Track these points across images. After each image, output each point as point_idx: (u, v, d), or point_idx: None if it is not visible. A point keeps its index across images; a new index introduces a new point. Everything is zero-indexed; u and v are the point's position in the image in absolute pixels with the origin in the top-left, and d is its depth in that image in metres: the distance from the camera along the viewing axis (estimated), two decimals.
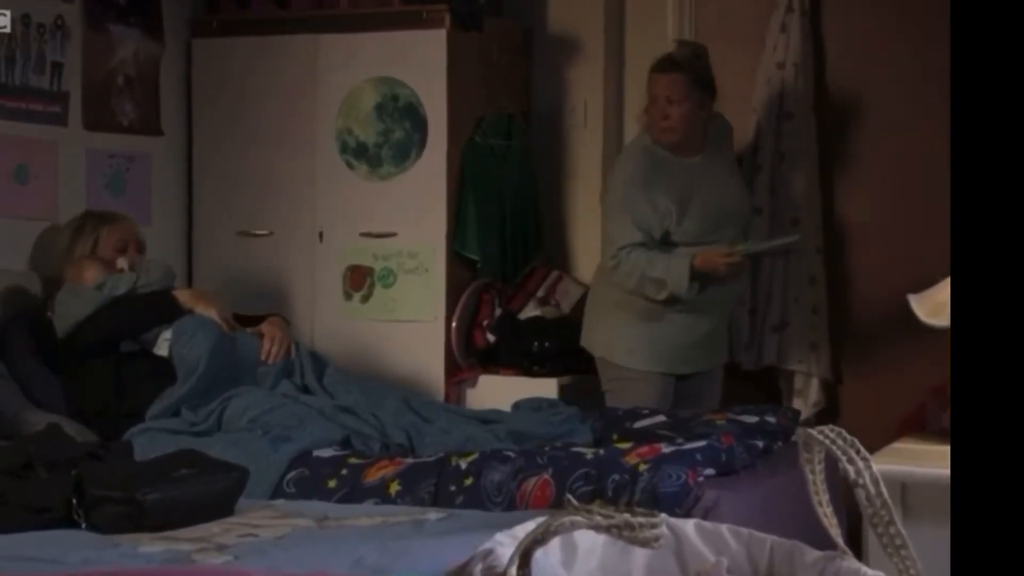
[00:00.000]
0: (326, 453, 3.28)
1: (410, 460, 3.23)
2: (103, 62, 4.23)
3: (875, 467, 1.67)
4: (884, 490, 1.63)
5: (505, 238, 4.49)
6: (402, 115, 4.31)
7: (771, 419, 3.59)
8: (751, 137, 4.45)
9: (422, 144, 4.30)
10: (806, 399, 4.39)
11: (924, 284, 2.75)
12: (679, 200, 3.87)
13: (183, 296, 3.75)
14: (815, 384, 4.41)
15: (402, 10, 4.32)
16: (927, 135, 4.27)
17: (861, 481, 1.65)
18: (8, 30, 3.89)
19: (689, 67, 3.90)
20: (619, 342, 3.96)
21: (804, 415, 4.18)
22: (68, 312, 3.64)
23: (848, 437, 1.70)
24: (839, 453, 1.69)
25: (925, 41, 4.27)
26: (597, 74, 4.61)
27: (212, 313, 3.67)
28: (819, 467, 1.79)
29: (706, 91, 3.94)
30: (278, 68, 4.44)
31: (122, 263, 3.83)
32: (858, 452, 1.69)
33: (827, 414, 4.43)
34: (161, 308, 3.68)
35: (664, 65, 3.93)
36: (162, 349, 3.65)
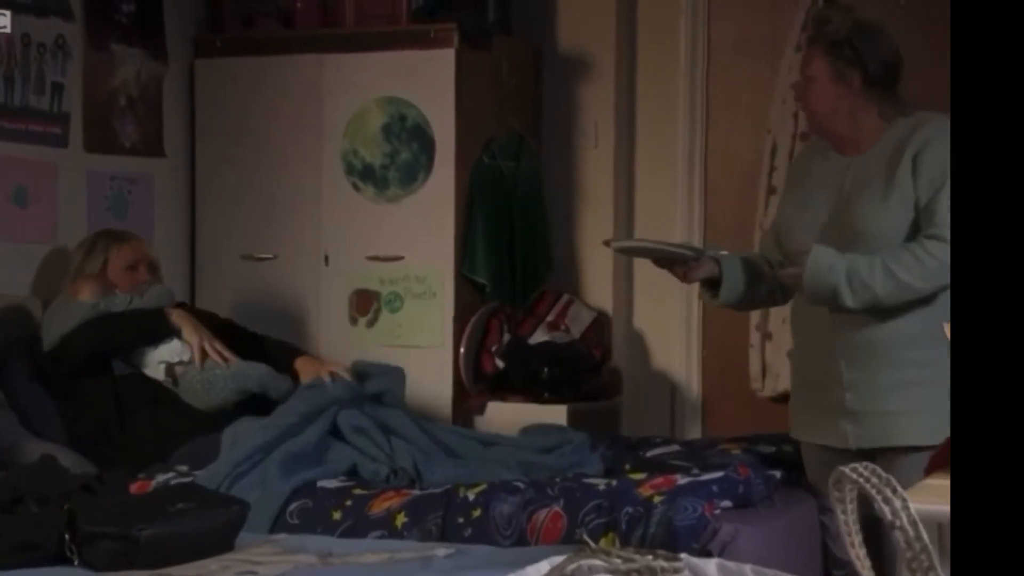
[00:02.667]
0: (331, 484, 3.19)
1: (416, 492, 3.15)
2: (104, 82, 4.17)
3: (913, 507, 1.57)
4: (924, 533, 1.53)
5: (514, 261, 4.44)
6: (409, 136, 4.25)
7: (789, 449, 3.49)
8: (766, 158, 4.38)
9: (430, 165, 4.24)
10: None
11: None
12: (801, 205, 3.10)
13: (175, 316, 3.67)
14: None
15: (409, 29, 4.27)
16: None
17: (898, 523, 1.55)
18: (8, 30, 3.84)
19: (824, 33, 2.99)
20: None
21: None
22: (53, 325, 3.58)
23: (883, 475, 1.60)
24: (873, 492, 1.59)
25: (944, 55, 4.19)
26: (608, 94, 4.56)
27: (193, 340, 3.60)
28: (851, 506, 1.70)
29: (855, 68, 2.97)
30: (283, 88, 4.39)
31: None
32: (894, 491, 1.59)
33: None
34: (150, 325, 3.61)
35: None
36: (157, 372, 3.57)
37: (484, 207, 4.29)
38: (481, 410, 4.26)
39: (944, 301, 2.86)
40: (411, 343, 4.24)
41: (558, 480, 3.14)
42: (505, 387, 4.29)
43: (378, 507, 3.06)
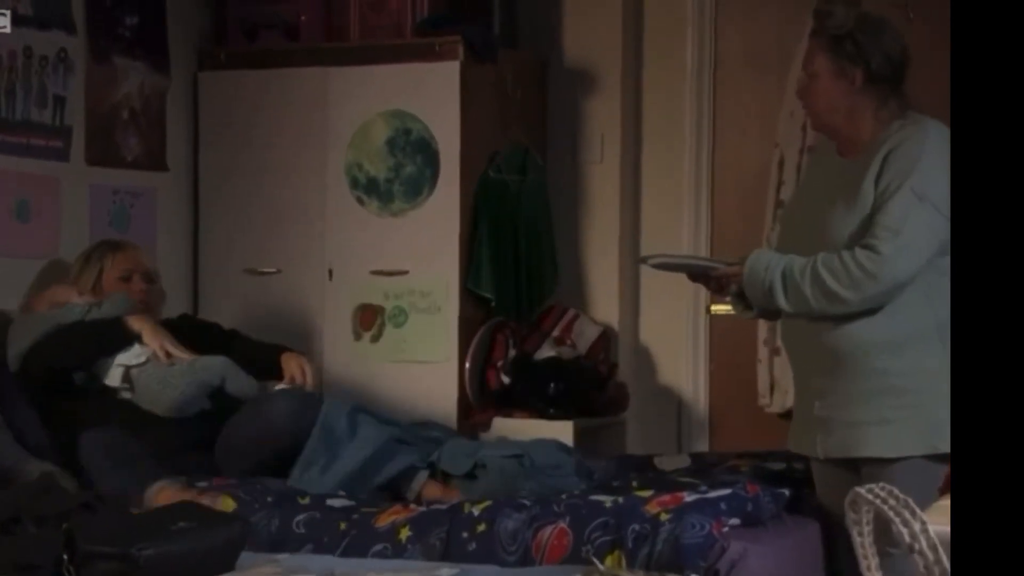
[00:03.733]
0: (338, 503, 3.17)
1: (422, 508, 3.13)
2: (107, 96, 4.14)
3: (932, 531, 1.53)
4: (944, 558, 1.49)
5: (520, 276, 4.40)
6: (414, 149, 4.22)
7: (799, 466, 3.45)
8: (774, 171, 4.34)
9: (435, 179, 4.20)
10: None
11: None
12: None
13: (134, 323, 3.54)
14: None
15: (414, 42, 4.25)
16: None
17: (918, 547, 1.50)
18: (8, 30, 3.81)
19: (826, 28, 2.86)
20: None
21: None
22: (13, 344, 3.50)
23: (901, 497, 1.56)
24: (891, 515, 1.54)
25: (945, 65, 4.15)
26: (615, 107, 4.53)
27: (153, 343, 3.48)
28: (867, 528, 1.66)
29: (857, 64, 2.84)
30: (287, 102, 4.37)
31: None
32: (913, 514, 1.55)
33: None
34: (107, 334, 3.52)
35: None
36: (114, 379, 3.49)
37: (489, 221, 4.26)
38: (487, 426, 4.22)
39: (911, 310, 2.79)
40: (416, 358, 4.20)
41: (564, 496, 3.10)
42: (511, 403, 4.25)
43: (383, 521, 3.04)
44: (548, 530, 2.93)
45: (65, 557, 2.38)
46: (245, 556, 2.60)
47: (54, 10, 3.91)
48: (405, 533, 2.97)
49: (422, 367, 4.19)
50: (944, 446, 2.71)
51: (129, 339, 3.48)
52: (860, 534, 1.63)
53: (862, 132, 2.87)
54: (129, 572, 2.35)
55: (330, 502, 3.17)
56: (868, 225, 2.78)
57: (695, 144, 4.54)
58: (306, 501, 3.15)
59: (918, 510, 1.56)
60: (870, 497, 1.57)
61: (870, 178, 2.80)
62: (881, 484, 1.58)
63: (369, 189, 4.29)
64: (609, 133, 4.54)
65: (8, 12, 3.80)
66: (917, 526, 1.53)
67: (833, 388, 2.89)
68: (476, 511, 3.01)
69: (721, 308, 4.47)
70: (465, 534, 2.97)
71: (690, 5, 4.52)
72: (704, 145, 4.55)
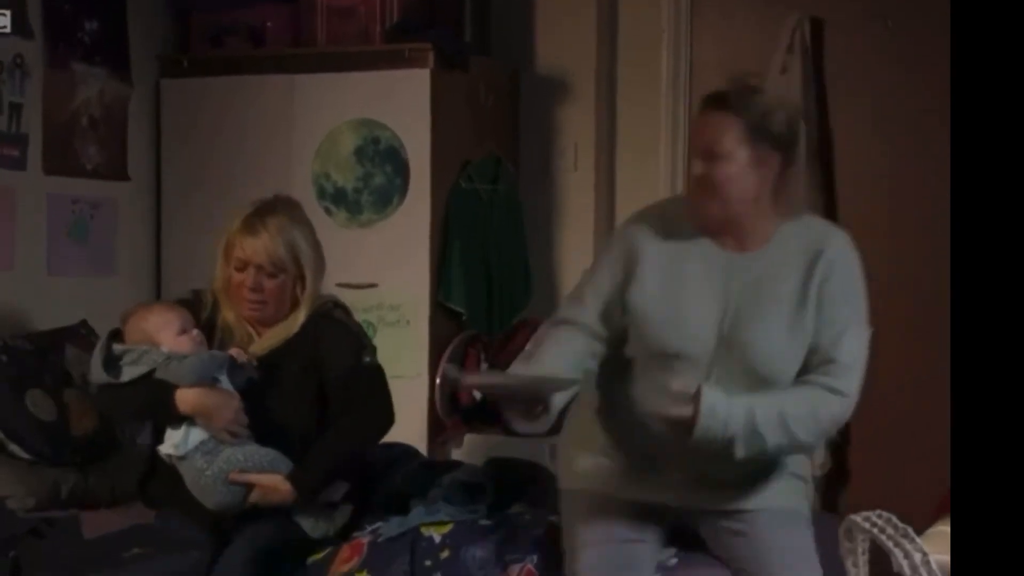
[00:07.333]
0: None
1: (374, 539, 2.92)
2: (65, 103, 4.03)
3: (934, 561, 1.43)
4: None
5: (492, 288, 4.33)
6: (383, 159, 4.13)
7: None
8: None
9: (404, 189, 4.12)
10: (812, 461, 4.18)
11: (935, 337, 2.52)
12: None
13: (186, 402, 2.91)
14: (821, 445, 4.20)
15: (383, 49, 4.17)
16: (935, 186, 4.07)
17: None
18: (8, 30, 3.72)
19: (746, 108, 2.55)
20: None
21: None
22: (90, 370, 3.01)
23: (900, 525, 1.47)
24: (890, 545, 1.45)
25: (932, 79, 4.09)
26: (588, 116, 4.47)
27: (212, 429, 2.89)
28: (863, 558, 1.56)
29: (773, 144, 2.54)
30: (252, 109, 4.28)
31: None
32: (913, 543, 1.45)
33: (835, 479, 4.22)
34: (158, 410, 2.94)
35: (707, 102, 2.64)
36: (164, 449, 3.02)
37: (461, 232, 4.18)
38: (459, 443, 4.12)
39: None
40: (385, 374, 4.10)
41: (528, 516, 2.96)
42: (483, 419, 4.15)
43: (339, 569, 2.85)
44: (516, 569, 2.79)
45: None
46: None
47: (11, 15, 3.79)
48: None
49: (392, 383, 4.07)
50: None
51: (175, 419, 2.90)
52: (855, 564, 1.53)
53: (766, 224, 2.60)
54: None
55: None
56: (812, 350, 2.57)
57: (670, 153, 4.47)
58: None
59: (917, 539, 1.47)
60: (866, 526, 1.47)
61: (810, 310, 2.56)
62: (879, 512, 1.49)
63: (337, 199, 4.19)
64: (583, 141, 4.47)
65: (8, 12, 3.71)
66: (918, 557, 1.43)
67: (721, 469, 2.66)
68: (437, 537, 2.89)
69: None
70: (428, 562, 2.85)
71: (665, 13, 4.45)
72: (680, 154, 4.47)
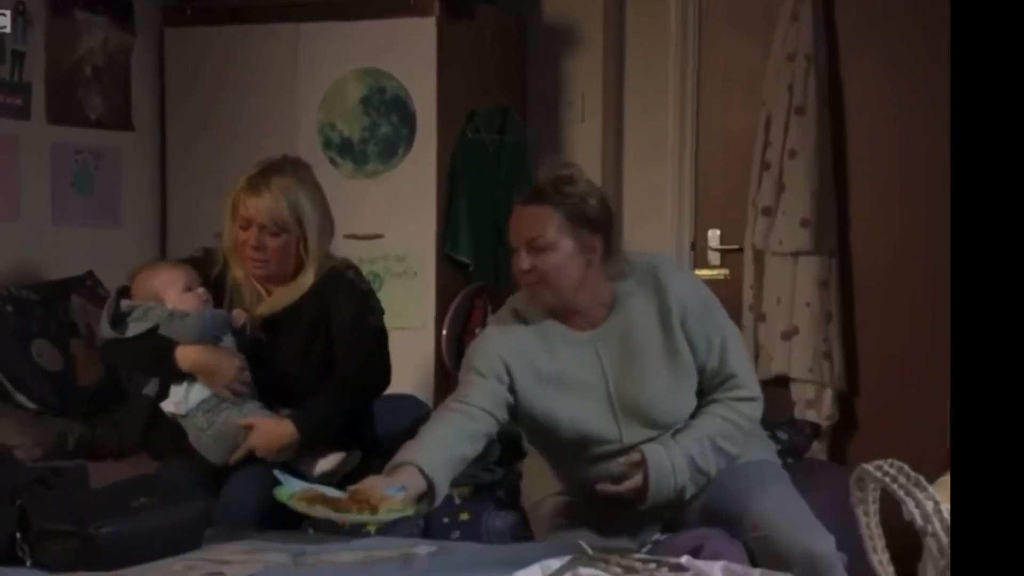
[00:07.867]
0: None
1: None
2: (69, 52, 4.00)
3: (946, 510, 1.42)
4: None
5: (499, 239, 4.28)
6: (389, 109, 4.10)
7: (783, 435, 3.35)
8: (760, 132, 4.23)
9: (410, 140, 4.09)
10: (819, 412, 4.18)
11: (945, 289, 2.51)
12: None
13: (186, 359, 2.92)
14: (828, 395, 4.20)
15: None
16: (946, 131, 4.03)
17: (931, 529, 1.39)
18: (8, 30, 3.70)
19: (566, 196, 2.65)
20: None
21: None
22: (99, 325, 3.03)
23: (912, 474, 1.45)
24: (901, 493, 1.43)
25: (942, 24, 4.04)
26: (596, 66, 4.43)
27: (216, 387, 2.91)
28: (874, 507, 1.55)
29: (592, 228, 2.66)
30: (257, 59, 4.24)
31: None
32: (925, 492, 1.44)
33: (842, 430, 4.22)
34: (159, 367, 2.98)
35: (524, 198, 2.72)
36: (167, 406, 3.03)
37: (467, 183, 4.15)
38: None
39: None
40: (391, 325, 4.06)
41: None
42: None
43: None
44: None
45: (18, 535, 2.27)
46: (211, 534, 2.48)
47: (10, 15, 3.76)
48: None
49: (398, 334, 4.03)
50: None
51: (176, 376, 2.91)
52: (865, 514, 1.52)
53: (604, 293, 2.70)
54: (86, 551, 2.24)
55: None
56: (704, 380, 2.71)
57: (679, 103, 4.43)
58: None
59: (929, 488, 1.45)
60: (878, 475, 1.46)
61: (684, 349, 2.67)
62: (891, 461, 1.47)
63: (342, 150, 4.16)
64: (590, 92, 4.43)
65: (8, 12, 3.68)
66: (930, 506, 1.42)
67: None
68: (456, 498, 2.89)
69: (705, 273, 4.37)
70: (446, 519, 2.87)
71: None
72: (688, 105, 4.43)
